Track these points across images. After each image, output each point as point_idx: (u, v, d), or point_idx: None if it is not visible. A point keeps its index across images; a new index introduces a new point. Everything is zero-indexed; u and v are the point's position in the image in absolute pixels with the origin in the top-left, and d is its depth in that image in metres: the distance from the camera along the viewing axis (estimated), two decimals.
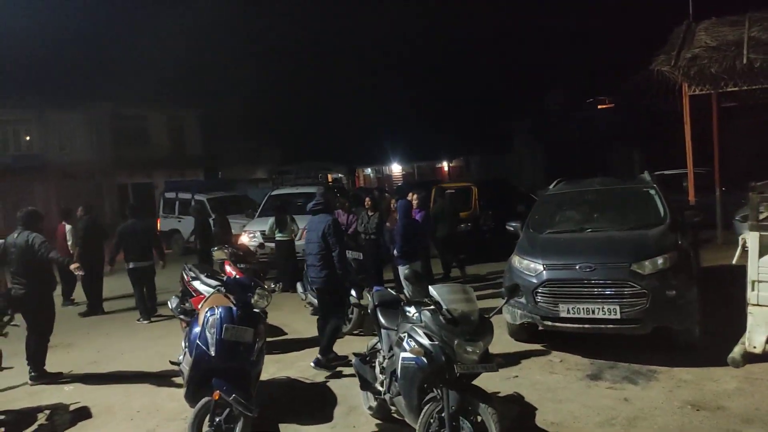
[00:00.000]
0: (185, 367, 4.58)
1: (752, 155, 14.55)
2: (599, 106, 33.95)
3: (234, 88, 30.65)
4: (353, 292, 7.23)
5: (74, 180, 25.70)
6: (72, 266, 6.17)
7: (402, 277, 7.62)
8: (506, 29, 35.18)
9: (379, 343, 4.62)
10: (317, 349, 6.72)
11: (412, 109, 32.25)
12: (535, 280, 5.78)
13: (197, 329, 4.71)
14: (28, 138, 26.32)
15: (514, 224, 7.32)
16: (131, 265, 8.80)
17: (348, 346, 6.77)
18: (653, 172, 13.22)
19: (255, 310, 4.50)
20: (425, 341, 3.60)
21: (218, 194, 16.92)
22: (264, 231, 11.37)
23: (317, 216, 6.04)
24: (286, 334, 7.47)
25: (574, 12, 33.66)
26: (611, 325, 5.44)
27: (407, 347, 3.70)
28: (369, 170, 38.02)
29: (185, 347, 4.77)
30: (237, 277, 4.48)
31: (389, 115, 32.18)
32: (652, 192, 6.70)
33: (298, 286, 8.49)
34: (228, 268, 7.03)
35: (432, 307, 3.69)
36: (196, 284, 7.29)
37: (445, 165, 34.18)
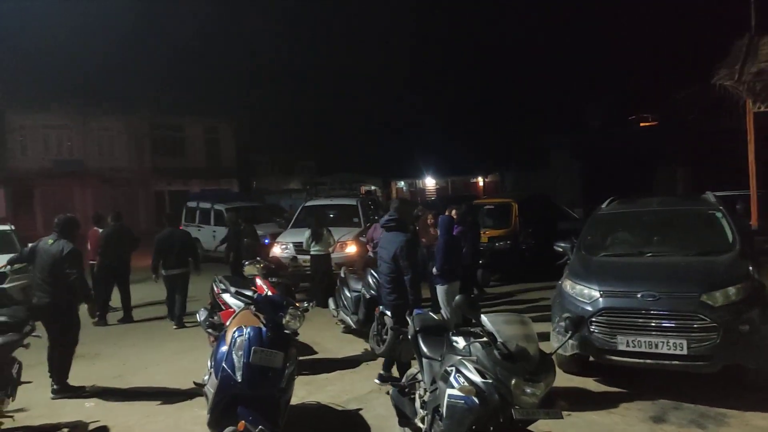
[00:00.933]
0: (210, 390, 4.24)
1: None
2: (641, 124, 32.98)
3: (271, 99, 30.75)
4: (387, 311, 6.84)
5: (112, 186, 26.09)
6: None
7: (440, 300, 7.19)
8: (546, 42, 34.57)
9: (419, 374, 4.19)
10: (351, 371, 6.36)
11: (448, 123, 31.84)
12: (590, 308, 5.28)
13: (224, 348, 4.38)
14: (69, 143, 26.85)
15: (563, 245, 6.83)
16: (164, 273, 8.86)
17: (379, 369, 6.36)
18: (700, 193, 12.55)
19: (286, 331, 4.13)
20: (477, 378, 3.17)
21: (237, 204, 16.88)
22: (297, 242, 11.13)
23: (390, 233, 5.52)
24: (316, 353, 7.10)
25: (619, 25, 32.86)
26: (676, 362, 4.91)
27: (455, 383, 3.27)
28: (402, 183, 37.67)
29: (211, 367, 4.44)
30: (268, 294, 4.12)
31: (424, 128, 31.86)
32: (719, 215, 6.14)
33: (330, 302, 8.15)
34: (258, 282, 6.72)
35: (484, 339, 3.26)
36: (226, 297, 7.01)
37: (479, 180, 33.60)
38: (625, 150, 27.51)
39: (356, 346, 7.32)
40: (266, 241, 15.15)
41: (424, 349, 4.09)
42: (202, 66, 28.74)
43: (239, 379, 3.79)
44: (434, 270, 7.19)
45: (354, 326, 7.38)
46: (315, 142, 31.67)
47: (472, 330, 3.57)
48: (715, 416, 4.71)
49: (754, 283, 5.11)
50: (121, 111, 26.70)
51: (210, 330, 7.11)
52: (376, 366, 6.51)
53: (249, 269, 5.00)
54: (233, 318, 4.98)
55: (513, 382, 3.01)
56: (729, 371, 4.96)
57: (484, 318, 3.28)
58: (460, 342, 3.54)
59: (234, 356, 3.87)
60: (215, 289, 7.26)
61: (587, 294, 5.38)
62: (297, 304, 4.33)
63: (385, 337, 6.78)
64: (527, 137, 30.33)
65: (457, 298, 3.32)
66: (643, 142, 28.55)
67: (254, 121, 31.36)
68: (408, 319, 4.61)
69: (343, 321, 7.83)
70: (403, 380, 4.61)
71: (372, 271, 7.20)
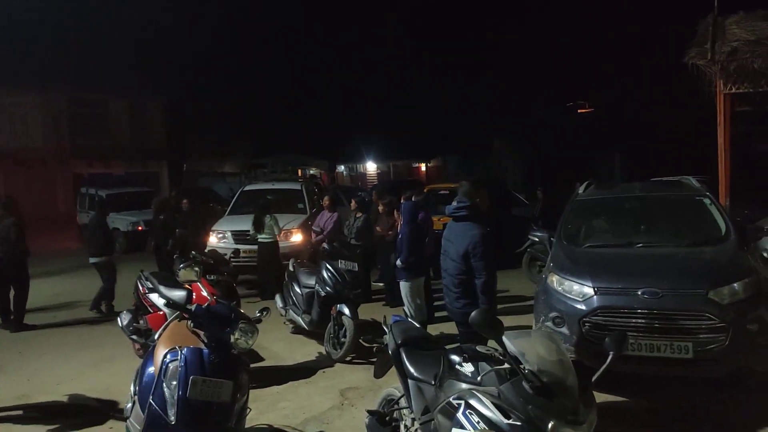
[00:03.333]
0: (134, 426, 3.29)
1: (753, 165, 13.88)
2: (579, 110, 33.50)
3: (206, 76, 28.83)
4: (346, 310, 6.02)
5: (26, 168, 23.62)
6: None
7: (404, 296, 6.43)
8: (488, 29, 34.34)
9: (403, 399, 3.40)
10: (306, 381, 5.50)
11: (390, 107, 30.99)
12: (582, 307, 4.64)
13: (151, 369, 3.43)
14: None
15: (539, 233, 6.21)
16: (91, 260, 8.32)
17: (341, 378, 5.54)
18: (644, 178, 12.48)
19: (234, 351, 3.23)
20: (498, 417, 2.40)
21: (121, 190, 16.51)
22: (236, 231, 10.08)
23: (460, 224, 4.32)
24: (262, 359, 6.17)
25: (558, 13, 33.02)
26: (681, 366, 4.36)
27: (467, 423, 2.49)
28: (342, 168, 36.63)
29: (134, 393, 3.48)
30: (209, 304, 3.19)
31: (366, 111, 30.85)
32: (707, 201, 5.68)
33: (277, 299, 7.22)
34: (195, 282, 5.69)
35: (506, 365, 2.49)
36: (154, 297, 5.98)
37: (422, 165, 33.07)
38: (564, 135, 27.80)
39: (309, 350, 6.45)
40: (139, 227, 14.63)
41: (411, 368, 3.30)
42: (128, 40, 26.40)
43: (172, 419, 2.88)
44: (398, 263, 6.41)
45: (306, 327, 6.50)
46: (253, 121, 29.96)
47: (482, 351, 2.81)
48: (723, 426, 4.22)
49: (759, 278, 4.64)
50: (37, 85, 24.13)
51: (134, 337, 6.07)
52: (334, 374, 5.69)
53: (185, 274, 3.99)
54: (163, 329, 4.00)
55: (551, 425, 2.27)
56: (733, 374, 4.47)
57: (506, 339, 2.50)
58: (465, 366, 2.76)
59: (165, 388, 2.95)
60: (140, 287, 6.20)
61: (579, 291, 4.75)
62: (249, 316, 3.40)
63: (343, 339, 5.99)
64: (470, 122, 30.07)
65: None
66: (582, 128, 28.96)
67: (187, 100, 29.33)
68: (385, 328, 3.80)
69: (292, 321, 6.93)
70: (378, 403, 3.81)
71: (327, 264, 6.33)
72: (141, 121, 29.13)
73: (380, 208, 8.27)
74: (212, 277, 5.72)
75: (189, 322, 3.08)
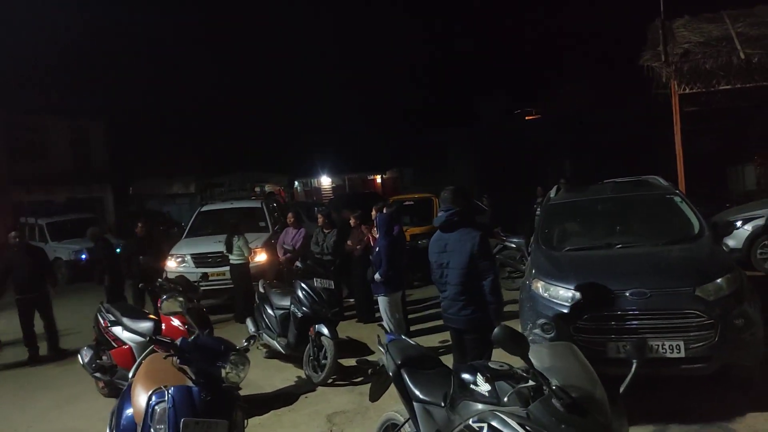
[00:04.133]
0: None
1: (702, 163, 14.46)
2: (527, 117, 34.28)
3: (145, 96, 27.93)
4: (325, 331, 5.78)
5: None
6: None
7: (383, 311, 6.25)
8: (439, 38, 34.82)
9: (408, 424, 3.21)
10: (289, 409, 5.22)
11: (342, 120, 30.89)
12: (573, 312, 4.58)
13: (129, 411, 3.15)
14: None
15: (515, 239, 6.18)
16: (17, 297, 7.41)
17: (325, 403, 5.29)
18: (576, 181, 12.77)
19: (225, 384, 2.97)
20: None
21: (61, 218, 16.16)
22: (196, 254, 9.69)
23: (455, 233, 4.27)
24: (239, 389, 5.83)
25: (505, 22, 33.81)
26: (674, 365, 4.34)
27: None
28: (296, 183, 36.12)
29: None
30: (196, 336, 2.92)
31: (317, 124, 30.64)
32: (677, 199, 5.76)
33: (249, 323, 6.89)
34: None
35: (530, 382, 2.35)
36: (117, 331, 5.60)
37: (377, 177, 33.00)
38: (516, 141, 28.38)
39: (287, 375, 6.16)
40: (83, 257, 14.03)
41: (415, 390, 3.12)
42: (67, 59, 25.29)
43: None
44: (376, 277, 6.23)
45: (283, 351, 6.21)
46: (201, 140, 29.18)
47: (496, 367, 2.65)
48: (720, 426, 4.21)
49: (740, 273, 4.70)
50: None
51: (98, 374, 5.65)
52: (317, 398, 5.44)
53: (168, 306, 3.65)
54: (138, 367, 3.70)
55: None
56: (721, 369, 4.48)
57: (531, 353, 2.36)
58: (481, 385, 2.60)
59: None
60: (101, 321, 5.79)
61: (566, 296, 4.69)
62: (237, 347, 3.14)
63: (323, 361, 5.74)
64: (423, 132, 30.30)
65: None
66: (533, 133, 29.63)
67: (129, 120, 28.30)
68: (381, 348, 3.61)
69: (266, 345, 6.62)
70: (378, 429, 3.60)
71: (302, 284, 6.08)
72: (82, 143, 27.90)
73: (352, 221, 8.07)
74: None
75: (174, 358, 2.80)
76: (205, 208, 11.64)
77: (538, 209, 12.25)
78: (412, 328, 7.18)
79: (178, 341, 2.87)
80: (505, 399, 2.39)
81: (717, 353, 4.30)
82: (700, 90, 8.07)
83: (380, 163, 31.09)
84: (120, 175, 28.03)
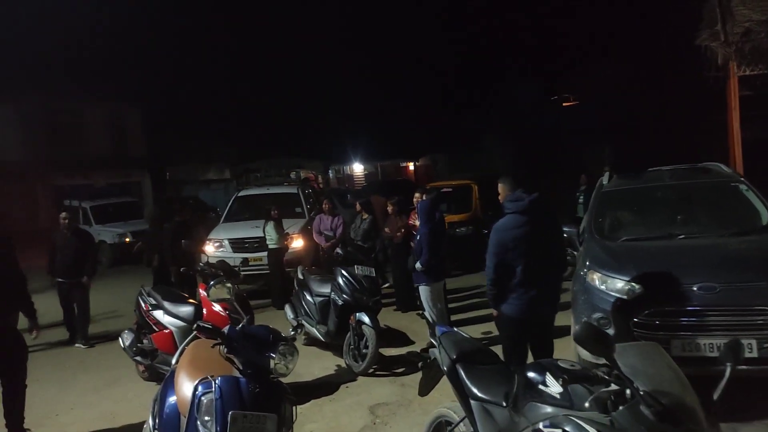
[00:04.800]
0: None
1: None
2: (564, 104, 33.41)
3: (182, 82, 28.15)
4: (366, 319, 5.62)
5: (4, 181, 22.78)
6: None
7: (425, 301, 6.05)
8: (470, 25, 34.12)
9: (463, 423, 3.02)
10: (329, 399, 5.08)
11: (376, 106, 30.56)
12: (633, 306, 4.30)
13: (172, 399, 3.03)
14: None
15: (567, 228, 5.88)
16: (59, 280, 7.30)
17: (367, 393, 5.13)
18: (625, 168, 12.20)
19: (273, 377, 2.82)
20: None
21: (104, 201, 16.15)
22: (234, 239, 9.66)
23: (542, 217, 4.07)
24: None
25: (538, 8, 32.86)
26: (744, 366, 4.03)
27: None
28: (330, 171, 36.08)
29: (153, 428, 3.06)
30: (245, 325, 2.77)
31: (351, 111, 30.40)
32: (743, 187, 5.38)
33: (287, 309, 6.78)
34: (203, 293, 5.24)
35: (613, 386, 2.12)
36: (158, 315, 5.54)
37: (410, 164, 32.69)
38: (552, 129, 27.72)
39: (326, 363, 6.03)
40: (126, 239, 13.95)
41: (473, 387, 2.91)
42: (105, 46, 25.62)
43: None
44: (417, 266, 6.02)
45: (322, 338, 6.09)
46: (236, 127, 29.32)
47: (568, 367, 2.43)
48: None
49: None
50: (10, 96, 23.28)
51: (139, 358, 5.62)
52: (358, 389, 5.30)
53: (216, 293, 3.49)
54: (181, 353, 3.58)
55: None
56: None
57: (617, 356, 2.12)
58: (552, 386, 2.38)
59: (200, 427, 2.52)
60: (142, 304, 5.73)
61: (624, 288, 4.40)
62: (285, 336, 2.98)
63: (364, 351, 5.60)
64: (457, 119, 29.82)
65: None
66: (569, 121, 28.88)
67: (167, 106, 28.62)
68: (433, 340, 3.41)
69: (305, 332, 6.50)
70: (429, 425, 3.41)
71: (343, 271, 5.92)
72: (120, 129, 28.39)
73: (389, 208, 7.88)
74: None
75: (221, 347, 2.66)
76: (242, 194, 11.60)
77: (581, 197, 11.87)
78: (452, 318, 6.97)
79: (225, 329, 2.72)
80: (586, 404, 2.16)
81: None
82: (762, 72, 7.55)
83: (413, 150, 30.73)
84: (157, 161, 28.45)
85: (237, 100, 30.15)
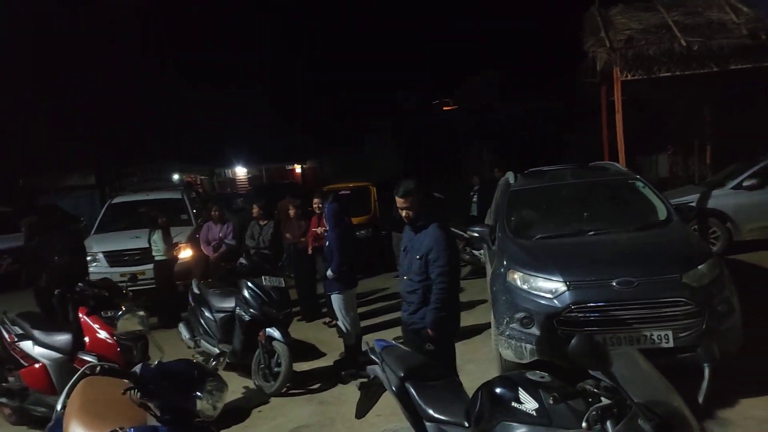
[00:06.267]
0: None
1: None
2: (444, 108, 34.64)
3: (32, 86, 25.22)
4: (277, 334, 5.16)
5: None
6: None
7: (337, 309, 5.70)
8: (354, 27, 34.17)
9: None
10: (242, 427, 4.58)
11: (259, 108, 29.53)
12: (556, 304, 4.29)
13: None
14: None
15: (479, 228, 5.84)
16: None
17: (283, 417, 4.69)
18: (496, 169, 12.78)
19: (198, 419, 2.33)
20: None
21: None
22: (110, 251, 8.65)
23: (424, 231, 3.83)
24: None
25: (421, 16, 33.75)
26: (663, 356, 4.15)
27: None
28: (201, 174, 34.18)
29: None
30: (159, 362, 2.26)
31: (230, 113, 29.09)
32: (639, 184, 5.68)
33: (182, 328, 6.10)
34: (86, 320, 4.47)
35: (606, 401, 1.94)
36: (26, 346, 4.68)
37: (296, 167, 31.96)
38: (435, 130, 28.60)
39: (233, 386, 5.35)
40: None
41: (426, 407, 2.65)
42: None
43: None
44: (329, 273, 5.67)
45: (212, 359, 5.47)
46: (99, 131, 26.74)
47: (539, 380, 2.23)
48: (714, 415, 4.07)
49: (718, 258, 4.64)
50: None
51: (4, 399, 4.72)
52: (273, 412, 4.84)
53: (126, 325, 2.81)
54: (68, 394, 2.94)
55: None
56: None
57: (615, 369, 1.93)
58: (526, 403, 2.17)
59: None
60: (5, 335, 4.81)
61: (548, 287, 4.39)
62: (210, 368, 2.50)
63: (276, 369, 5.14)
64: (343, 122, 29.72)
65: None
66: (452, 123, 29.97)
67: (15, 111, 25.40)
68: (373, 356, 3.09)
69: (204, 353, 5.86)
70: None
71: (249, 283, 5.40)
72: None
73: (291, 211, 7.43)
74: (109, 313, 4.53)
75: (133, 392, 2.14)
76: (116, 200, 10.46)
77: (475, 196, 12.16)
78: (362, 325, 6.68)
79: (137, 369, 2.20)
80: (531, 410, 1.99)
81: (704, 341, 4.18)
82: (641, 77, 8.13)
83: (299, 152, 30.12)
84: (7, 167, 25.17)
85: (100, 102, 27.54)
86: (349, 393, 5.02)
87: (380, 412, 3.26)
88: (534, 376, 2.32)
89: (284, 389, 5.10)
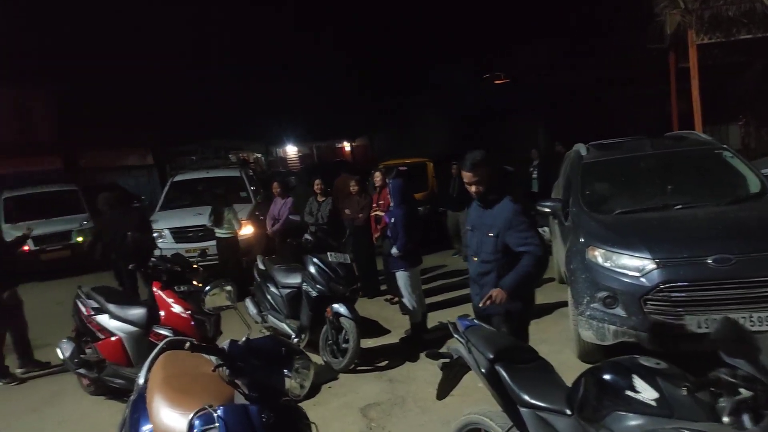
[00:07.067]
0: None
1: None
2: (495, 81, 33.71)
3: (100, 64, 25.93)
4: (344, 311, 5.09)
5: None
6: None
7: (403, 288, 5.58)
8: (402, 3, 33.53)
9: None
10: (312, 403, 4.52)
11: (307, 86, 29.51)
12: (644, 282, 4.03)
13: (147, 429, 2.44)
14: None
15: (550, 203, 5.58)
16: None
17: (354, 393, 4.63)
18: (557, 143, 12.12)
19: (286, 398, 2.25)
20: None
21: (22, 192, 11.94)
22: (176, 228, 8.79)
23: (497, 206, 3.49)
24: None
25: None
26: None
27: None
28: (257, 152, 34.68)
29: None
30: (247, 339, 2.18)
31: (280, 92, 29.19)
32: (728, 155, 5.26)
33: (249, 304, 6.13)
34: (160, 295, 4.51)
35: (745, 392, 1.72)
36: (103, 320, 4.76)
37: (345, 145, 31.96)
38: (486, 104, 27.91)
39: None
40: None
41: (520, 392, 2.47)
42: (8, 25, 23.00)
43: None
44: (394, 251, 5.54)
45: (294, 334, 5.47)
46: (157, 110, 27.36)
47: (655, 367, 2.03)
48: None
49: None
50: None
51: (83, 371, 4.84)
52: (343, 388, 4.78)
53: (214, 300, 2.76)
54: (149, 368, 2.92)
55: None
56: None
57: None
58: (643, 392, 1.97)
59: None
60: (81, 308, 4.92)
61: (635, 265, 4.12)
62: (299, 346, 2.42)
63: (344, 345, 5.07)
64: (392, 98, 29.37)
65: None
66: (502, 97, 29.18)
67: (79, 89, 26.25)
68: (456, 336, 2.93)
69: (271, 327, 5.88)
70: None
71: (315, 259, 5.34)
72: (26, 114, 25.89)
73: (352, 187, 7.33)
74: (182, 288, 4.56)
75: (223, 368, 2.06)
76: (178, 178, 10.65)
77: (535, 172, 11.77)
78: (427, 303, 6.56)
79: (225, 345, 2.12)
80: (651, 401, 1.78)
81: None
82: (719, 39, 7.54)
83: (349, 130, 30.02)
84: (70, 147, 26.17)
85: (158, 81, 28.13)
86: (418, 371, 4.94)
87: (453, 392, 3.14)
88: (648, 362, 2.10)
89: (352, 365, 5.04)
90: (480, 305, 3.44)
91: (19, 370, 5.67)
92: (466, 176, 3.53)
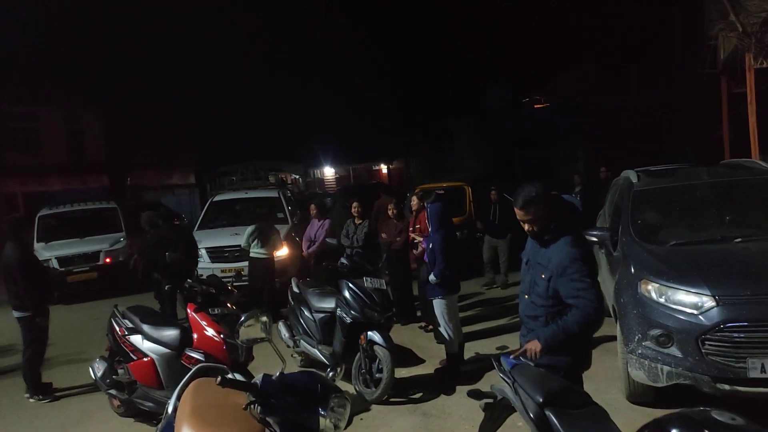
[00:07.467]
0: None
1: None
2: (535, 105, 33.37)
3: (142, 84, 26.81)
4: (378, 338, 4.92)
5: None
6: None
7: (440, 316, 5.38)
8: (441, 28, 33.74)
9: None
10: None
11: (346, 109, 29.83)
12: (703, 321, 3.74)
13: None
14: None
15: (596, 232, 5.32)
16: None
17: (387, 427, 4.43)
18: (602, 169, 11.68)
19: None
20: None
21: (60, 209, 11.78)
22: (213, 248, 8.81)
23: (553, 245, 2.99)
24: None
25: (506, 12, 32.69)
26: None
27: None
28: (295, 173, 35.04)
29: None
30: (281, 373, 2.04)
31: (319, 113, 29.58)
32: None
33: (281, 327, 6.01)
34: (194, 317, 4.44)
35: None
36: (136, 340, 4.71)
37: (382, 167, 32.02)
38: (525, 129, 27.54)
39: None
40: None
41: None
42: (61, 48, 24.03)
43: None
44: (431, 278, 5.35)
45: (326, 361, 5.32)
46: (199, 130, 28.06)
47: (734, 424, 1.80)
48: None
49: None
50: None
51: (113, 391, 4.78)
52: (376, 421, 4.59)
53: (248, 332, 2.61)
54: (180, 393, 2.81)
55: None
56: None
57: None
58: None
59: None
60: (117, 328, 4.89)
61: (692, 301, 3.84)
62: (334, 381, 2.28)
63: (378, 375, 4.88)
64: (429, 121, 29.37)
65: None
66: (542, 122, 28.76)
67: (125, 110, 27.17)
68: (502, 375, 2.74)
69: (303, 353, 5.74)
70: None
71: (349, 284, 5.20)
72: (77, 133, 26.88)
73: (390, 211, 7.20)
74: (216, 311, 4.48)
75: (254, 406, 1.93)
76: (217, 198, 10.74)
77: (578, 198, 11.43)
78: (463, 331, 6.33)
79: (257, 380, 1.99)
80: None
81: None
82: None
83: (385, 153, 30.09)
84: (117, 166, 26.99)
85: (200, 103, 28.89)
86: (454, 405, 4.71)
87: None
88: (723, 417, 1.87)
89: (385, 396, 4.85)
90: (512, 357, 2.95)
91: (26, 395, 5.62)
92: (518, 213, 3.05)
